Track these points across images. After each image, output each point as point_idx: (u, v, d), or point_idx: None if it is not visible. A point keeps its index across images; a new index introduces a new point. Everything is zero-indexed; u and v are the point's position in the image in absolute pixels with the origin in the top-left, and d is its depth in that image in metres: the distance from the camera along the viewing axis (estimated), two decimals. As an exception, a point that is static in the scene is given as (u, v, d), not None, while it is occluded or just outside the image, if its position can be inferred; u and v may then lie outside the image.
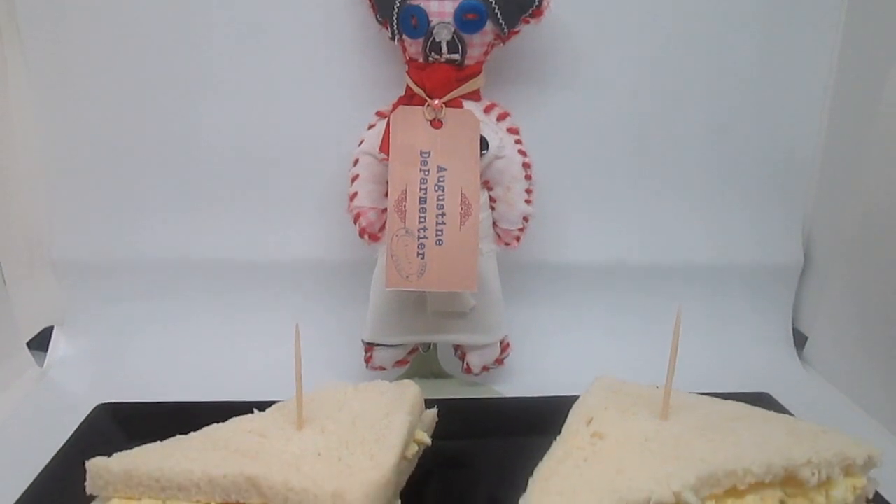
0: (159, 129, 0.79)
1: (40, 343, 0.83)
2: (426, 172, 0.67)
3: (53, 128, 0.78)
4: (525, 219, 0.72)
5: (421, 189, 0.67)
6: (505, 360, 0.77)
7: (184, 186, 0.80)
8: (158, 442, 0.52)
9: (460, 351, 0.77)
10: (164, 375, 0.78)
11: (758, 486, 0.49)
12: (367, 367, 0.76)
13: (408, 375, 0.77)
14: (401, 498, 0.54)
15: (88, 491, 0.49)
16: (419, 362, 0.79)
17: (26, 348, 0.80)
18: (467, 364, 0.77)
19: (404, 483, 0.57)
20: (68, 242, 0.81)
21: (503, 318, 0.76)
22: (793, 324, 0.89)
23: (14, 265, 0.79)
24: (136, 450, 0.50)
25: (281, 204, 0.81)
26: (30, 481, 0.57)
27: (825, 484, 0.50)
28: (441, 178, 0.67)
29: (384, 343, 0.74)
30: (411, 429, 0.55)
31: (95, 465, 0.49)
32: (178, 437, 0.52)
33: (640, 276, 0.85)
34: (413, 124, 0.67)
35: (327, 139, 0.78)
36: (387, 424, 0.53)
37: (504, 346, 0.77)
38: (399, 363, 0.77)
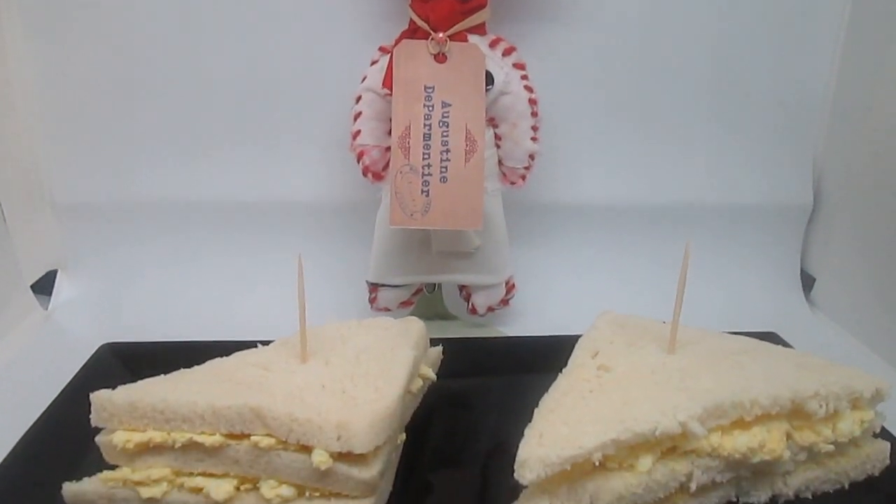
0: (160, 69, 0.77)
1: (44, 287, 0.82)
2: (430, 108, 0.66)
3: (52, 68, 0.77)
4: (531, 157, 0.71)
5: (425, 125, 0.65)
6: (510, 301, 0.77)
7: (185, 127, 0.79)
8: (162, 375, 0.51)
9: (465, 291, 0.76)
10: (167, 316, 0.78)
11: (764, 417, 0.48)
12: (371, 308, 0.75)
13: (413, 316, 0.77)
14: (406, 432, 0.55)
15: (93, 423, 0.49)
16: (424, 303, 0.79)
17: (30, 291, 0.80)
18: (472, 305, 0.76)
19: (409, 418, 0.57)
20: (69, 185, 0.81)
21: (509, 258, 0.75)
22: (801, 265, 0.88)
23: (15, 209, 0.78)
24: (140, 382, 0.50)
25: (283, 143, 0.80)
26: (36, 417, 0.58)
27: (832, 417, 0.50)
28: (445, 114, 0.66)
29: (388, 283, 0.74)
30: (416, 363, 0.55)
31: (99, 397, 0.48)
32: (182, 370, 0.52)
33: (648, 216, 0.84)
34: (417, 59, 0.65)
35: (329, 76, 0.76)
36: (391, 358, 0.53)
37: (509, 287, 0.76)
38: (404, 304, 0.76)
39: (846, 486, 0.52)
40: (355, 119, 0.70)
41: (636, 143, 0.82)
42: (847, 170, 0.82)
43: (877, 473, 0.53)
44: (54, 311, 0.80)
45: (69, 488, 0.48)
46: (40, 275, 0.83)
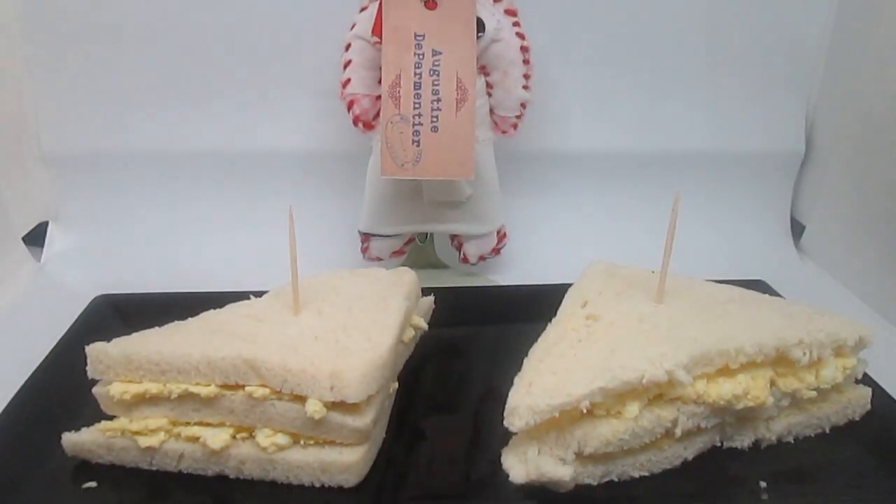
0: (149, 18, 0.76)
1: (36, 238, 0.82)
2: (421, 56, 0.65)
3: (39, 17, 0.75)
4: (523, 105, 0.70)
5: (415, 74, 0.65)
6: (502, 250, 0.77)
7: (175, 76, 0.78)
8: (157, 327, 0.52)
9: (457, 241, 0.77)
10: (160, 266, 0.78)
11: (749, 365, 0.49)
12: (363, 257, 0.76)
13: (405, 266, 0.77)
14: (399, 381, 0.56)
15: (90, 375, 0.50)
16: (416, 252, 0.79)
17: (22, 243, 0.80)
18: (464, 254, 0.77)
19: (402, 367, 0.58)
20: (58, 135, 0.80)
21: (500, 208, 0.75)
22: (791, 212, 0.88)
23: (3, 159, 0.78)
24: (135, 335, 0.51)
25: (273, 92, 0.79)
26: (32, 370, 0.58)
27: (816, 364, 0.51)
28: (436, 63, 0.65)
29: (380, 233, 0.74)
30: (408, 313, 0.55)
31: (95, 349, 0.49)
32: (177, 322, 0.53)
33: (640, 164, 0.84)
34: (406, 5, 0.64)
35: (318, 23, 0.75)
36: (383, 308, 0.54)
37: (501, 236, 0.76)
38: (396, 253, 0.77)
39: (827, 430, 0.54)
40: (345, 67, 0.69)
41: (628, 90, 0.81)
42: (840, 118, 0.82)
43: (857, 418, 0.54)
44: (47, 262, 0.80)
45: (68, 438, 0.49)
46: (31, 226, 0.82)
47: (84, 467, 0.49)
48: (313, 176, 0.82)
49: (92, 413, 0.50)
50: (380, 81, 0.66)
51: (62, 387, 0.55)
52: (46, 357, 0.60)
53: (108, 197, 0.82)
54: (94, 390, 0.50)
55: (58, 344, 0.62)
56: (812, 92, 0.85)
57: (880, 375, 0.57)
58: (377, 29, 0.65)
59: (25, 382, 0.57)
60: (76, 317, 0.66)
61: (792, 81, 0.84)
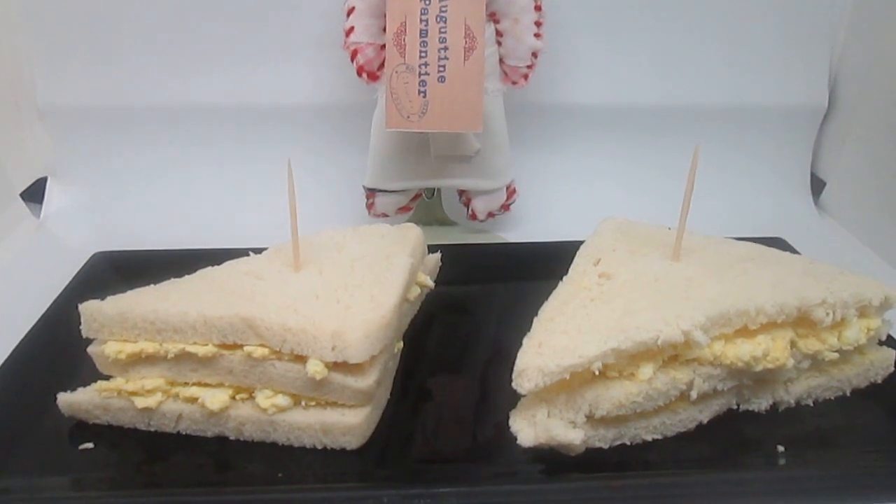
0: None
1: (34, 194, 0.81)
2: (427, 2, 0.62)
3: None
4: (534, 54, 0.68)
5: (422, 21, 0.62)
6: (511, 206, 0.75)
7: (172, 27, 0.75)
8: (153, 285, 0.50)
9: (465, 196, 0.75)
10: (160, 223, 0.76)
11: (769, 326, 0.47)
12: (369, 214, 0.74)
13: (411, 222, 0.75)
14: (404, 340, 0.54)
15: (84, 334, 0.48)
16: (423, 209, 0.77)
17: (20, 199, 0.78)
18: (472, 210, 0.75)
19: (407, 326, 0.56)
20: (54, 89, 0.78)
21: (509, 162, 0.73)
22: (811, 169, 0.86)
23: (-1, 114, 0.76)
24: (131, 293, 0.49)
25: (273, 43, 0.76)
26: (29, 327, 0.57)
27: (838, 325, 0.49)
28: (443, 9, 0.62)
29: (386, 189, 0.72)
30: (413, 271, 0.54)
31: (88, 307, 0.48)
32: (173, 279, 0.51)
33: (656, 118, 0.81)
34: (412, -53, 0.62)
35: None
36: (387, 266, 0.52)
37: (510, 192, 0.74)
38: (402, 210, 0.75)
39: (848, 393, 0.52)
40: (348, 15, 0.67)
41: (646, 40, 0.78)
42: (865, 71, 0.79)
43: (880, 381, 0.53)
44: (46, 218, 0.79)
45: (64, 399, 0.48)
46: (30, 182, 0.81)
47: (81, 428, 0.48)
48: (316, 130, 0.79)
49: (89, 372, 0.49)
50: (384, 29, 0.64)
51: (59, 345, 0.54)
52: (43, 315, 0.59)
53: (107, 152, 0.80)
54: (90, 349, 0.49)
55: (55, 301, 0.61)
56: (837, 43, 0.82)
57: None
58: (381, -28, 0.63)
59: (22, 340, 0.56)
60: (74, 274, 0.65)
61: (816, 32, 0.81)
